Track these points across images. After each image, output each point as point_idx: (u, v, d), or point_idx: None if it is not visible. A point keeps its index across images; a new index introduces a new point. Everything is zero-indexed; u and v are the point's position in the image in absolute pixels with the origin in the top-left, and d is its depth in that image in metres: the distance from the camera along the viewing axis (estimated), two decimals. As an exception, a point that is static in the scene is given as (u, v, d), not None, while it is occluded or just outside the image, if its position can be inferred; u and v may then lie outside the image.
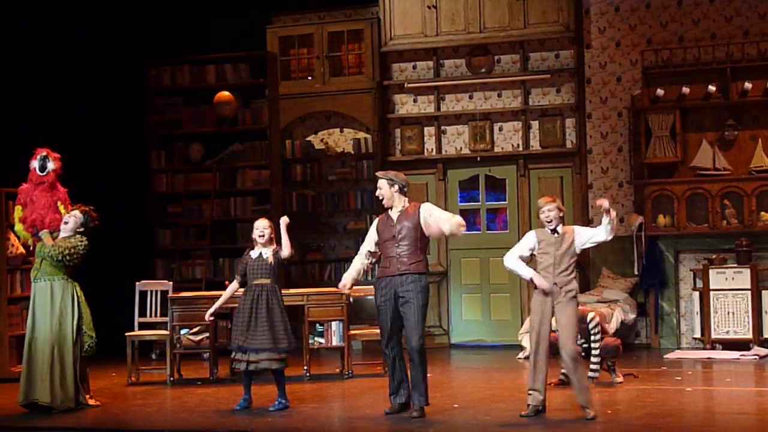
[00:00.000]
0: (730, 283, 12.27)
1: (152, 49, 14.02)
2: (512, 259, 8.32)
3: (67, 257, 9.03)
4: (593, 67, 13.45)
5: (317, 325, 10.93)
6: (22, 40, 12.58)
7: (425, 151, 14.03)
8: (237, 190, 14.01)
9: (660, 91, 12.84)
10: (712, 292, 12.32)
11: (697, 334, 12.57)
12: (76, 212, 9.21)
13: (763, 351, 11.87)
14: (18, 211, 9.47)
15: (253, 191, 13.91)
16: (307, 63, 14.29)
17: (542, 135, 13.64)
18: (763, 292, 12.33)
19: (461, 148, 13.94)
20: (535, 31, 13.44)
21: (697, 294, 12.61)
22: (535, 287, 8.21)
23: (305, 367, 10.68)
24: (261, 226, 9.01)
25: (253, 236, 9.05)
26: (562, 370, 9.60)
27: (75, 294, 9.13)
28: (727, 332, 12.28)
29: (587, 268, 13.24)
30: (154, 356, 12.92)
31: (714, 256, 12.56)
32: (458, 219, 8.40)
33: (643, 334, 13.13)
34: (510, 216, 13.82)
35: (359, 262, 8.62)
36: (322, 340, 10.96)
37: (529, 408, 8.22)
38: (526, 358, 12.01)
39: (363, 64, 14.07)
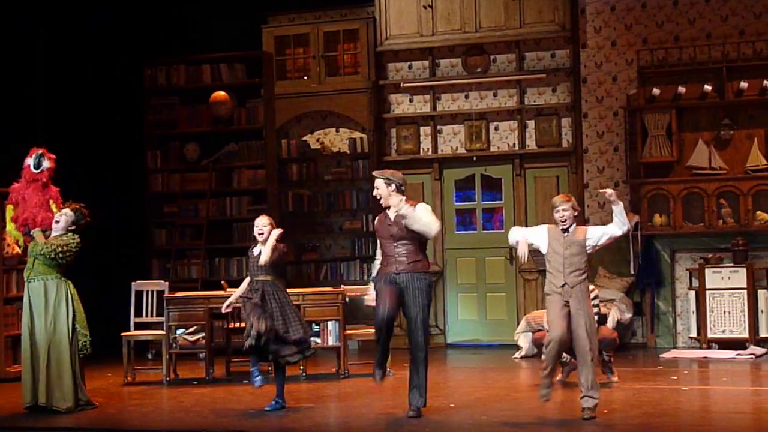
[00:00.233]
0: (726, 282, 12.28)
1: (149, 49, 14.02)
2: (518, 229, 8.33)
3: (60, 255, 8.97)
4: (589, 67, 13.45)
5: (313, 324, 10.90)
6: (22, 40, 12.56)
7: (421, 150, 14.03)
8: (233, 190, 13.99)
9: (656, 91, 12.84)
10: (708, 292, 12.33)
11: (693, 334, 12.57)
12: (67, 210, 9.15)
13: (759, 350, 11.87)
14: (9, 211, 9.39)
15: (248, 191, 13.88)
16: (302, 63, 14.29)
17: (538, 134, 13.64)
18: (759, 291, 12.33)
19: (457, 147, 13.94)
20: (531, 30, 13.45)
21: (693, 293, 12.61)
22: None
23: (301, 367, 10.66)
24: (260, 224, 8.94)
25: (254, 233, 9.02)
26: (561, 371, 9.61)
27: (69, 292, 9.07)
28: (723, 331, 12.28)
29: (583, 267, 13.23)
30: (150, 356, 12.90)
31: (710, 256, 12.57)
32: (428, 220, 8.22)
33: (639, 333, 13.13)
34: (506, 215, 13.81)
35: (376, 268, 8.52)
36: (318, 340, 10.93)
37: (546, 392, 8.04)
38: (523, 357, 12.09)
39: (359, 63, 14.06)
